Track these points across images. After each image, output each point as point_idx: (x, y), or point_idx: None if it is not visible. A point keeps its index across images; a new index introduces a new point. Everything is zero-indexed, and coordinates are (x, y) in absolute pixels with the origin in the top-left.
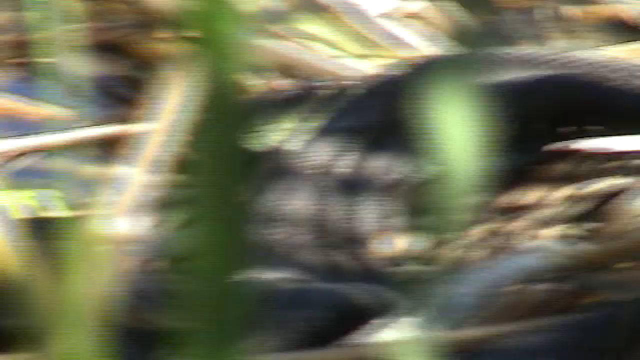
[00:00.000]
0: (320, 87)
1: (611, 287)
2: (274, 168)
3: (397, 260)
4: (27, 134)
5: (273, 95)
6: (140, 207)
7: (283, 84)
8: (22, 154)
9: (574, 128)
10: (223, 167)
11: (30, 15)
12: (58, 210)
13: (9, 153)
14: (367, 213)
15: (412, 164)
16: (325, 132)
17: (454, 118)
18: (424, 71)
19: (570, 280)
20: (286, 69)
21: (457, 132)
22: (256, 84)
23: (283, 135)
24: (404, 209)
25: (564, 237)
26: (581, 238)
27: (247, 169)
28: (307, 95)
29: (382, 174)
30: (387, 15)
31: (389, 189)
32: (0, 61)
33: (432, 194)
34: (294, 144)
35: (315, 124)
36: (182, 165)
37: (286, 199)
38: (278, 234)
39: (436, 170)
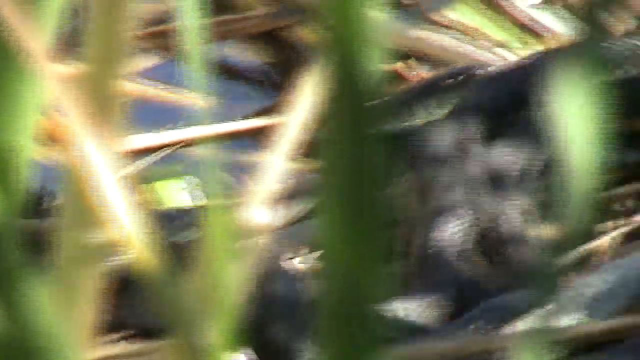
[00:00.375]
0: (460, 74)
1: None
2: (413, 155)
3: (541, 254)
4: (175, 124)
5: (413, 84)
6: (284, 197)
7: (425, 71)
8: (170, 145)
9: None
10: (358, 156)
11: (180, 5)
12: (204, 200)
13: (156, 145)
14: (512, 210)
15: (538, 153)
16: (455, 115)
17: (578, 109)
18: (555, 59)
19: None
20: (429, 57)
21: (579, 124)
22: (394, 71)
23: (420, 121)
24: (539, 201)
25: None
26: None
27: (382, 157)
28: (447, 83)
29: (511, 164)
30: (536, 4)
31: (524, 181)
32: (148, 49)
33: (559, 185)
34: (429, 130)
35: (448, 109)
36: (320, 154)
37: (437, 192)
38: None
39: (559, 160)
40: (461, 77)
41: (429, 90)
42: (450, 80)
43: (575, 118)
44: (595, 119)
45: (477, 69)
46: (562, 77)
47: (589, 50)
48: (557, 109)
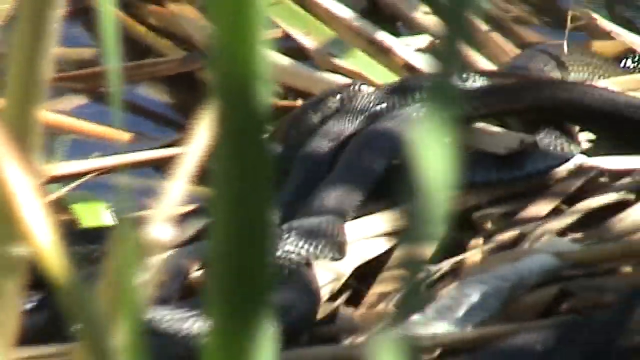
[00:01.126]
0: (325, 101)
1: (610, 290)
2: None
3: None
4: (95, 154)
5: (292, 113)
6: (183, 218)
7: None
8: (90, 172)
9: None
10: (244, 179)
11: (104, 50)
12: (116, 220)
13: (78, 171)
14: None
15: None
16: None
17: (433, 138)
18: (413, 91)
19: (573, 283)
20: (307, 92)
21: (434, 152)
22: (277, 105)
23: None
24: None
25: (568, 243)
26: (584, 243)
27: (266, 179)
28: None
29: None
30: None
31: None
32: (76, 89)
33: (417, 204)
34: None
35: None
36: (210, 179)
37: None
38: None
39: (418, 184)
40: (327, 104)
41: (303, 118)
42: (321, 107)
43: (431, 147)
44: (449, 147)
45: (340, 97)
46: (420, 108)
47: (442, 85)
48: (414, 138)
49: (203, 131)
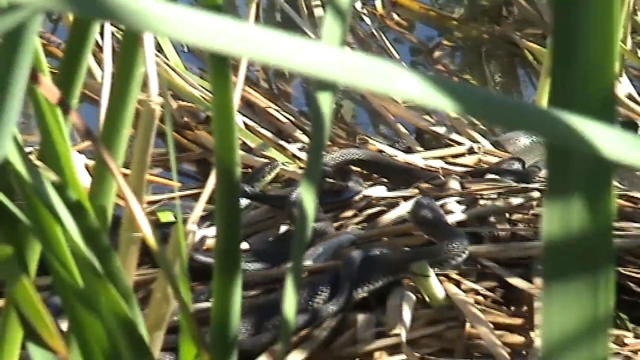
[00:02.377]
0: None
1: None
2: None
3: None
4: (165, 192)
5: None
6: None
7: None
8: (165, 199)
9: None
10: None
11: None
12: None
13: (159, 199)
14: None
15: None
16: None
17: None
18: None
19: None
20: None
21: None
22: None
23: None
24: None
25: (358, 229)
26: (366, 229)
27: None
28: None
29: None
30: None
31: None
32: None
33: None
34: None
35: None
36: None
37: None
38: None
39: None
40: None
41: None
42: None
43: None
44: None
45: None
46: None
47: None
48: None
49: (211, 184)
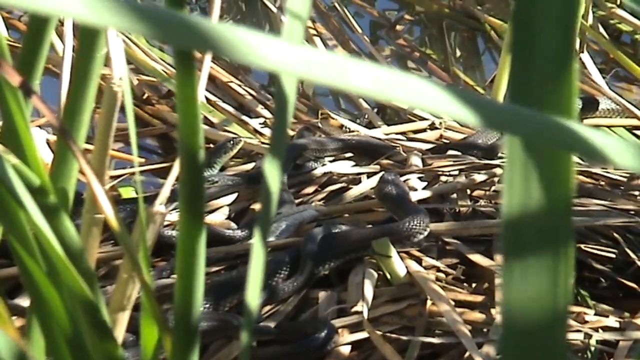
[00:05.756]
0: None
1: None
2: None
3: None
4: (127, 167)
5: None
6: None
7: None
8: (126, 174)
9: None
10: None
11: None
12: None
13: (121, 173)
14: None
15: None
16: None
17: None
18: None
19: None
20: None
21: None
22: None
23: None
24: None
25: (322, 206)
26: (327, 205)
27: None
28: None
29: None
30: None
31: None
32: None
33: None
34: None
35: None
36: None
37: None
38: None
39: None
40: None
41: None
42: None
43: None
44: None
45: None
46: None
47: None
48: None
49: (176, 167)
